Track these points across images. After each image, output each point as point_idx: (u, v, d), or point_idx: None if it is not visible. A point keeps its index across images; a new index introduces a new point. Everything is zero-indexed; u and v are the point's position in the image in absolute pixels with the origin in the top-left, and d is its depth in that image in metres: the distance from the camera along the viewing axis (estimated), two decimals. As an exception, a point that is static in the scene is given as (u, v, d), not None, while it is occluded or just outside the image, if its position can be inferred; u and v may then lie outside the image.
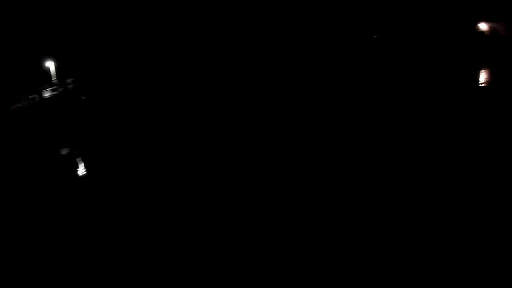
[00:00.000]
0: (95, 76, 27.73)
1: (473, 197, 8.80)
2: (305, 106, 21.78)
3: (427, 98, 20.08)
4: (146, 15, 33.08)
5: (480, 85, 23.00)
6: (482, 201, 8.50)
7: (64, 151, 16.19)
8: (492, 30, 36.43)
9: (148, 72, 29.60)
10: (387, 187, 9.56)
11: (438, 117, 15.96)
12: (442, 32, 34.08)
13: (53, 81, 23.90)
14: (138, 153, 14.85)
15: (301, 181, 10.93)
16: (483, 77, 26.44)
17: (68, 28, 29.60)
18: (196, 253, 7.51)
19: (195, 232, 8.29)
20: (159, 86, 27.53)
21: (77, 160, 14.98)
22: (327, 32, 35.02)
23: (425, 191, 9.15)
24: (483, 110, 16.59)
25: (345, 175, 10.86)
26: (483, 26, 35.88)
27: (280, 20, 36.02)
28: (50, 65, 24.48)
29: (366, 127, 14.95)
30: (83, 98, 23.20)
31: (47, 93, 22.41)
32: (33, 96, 21.67)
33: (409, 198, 8.94)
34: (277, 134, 16.56)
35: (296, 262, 6.96)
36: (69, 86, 23.64)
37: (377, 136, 13.61)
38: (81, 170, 13.82)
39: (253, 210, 9.28)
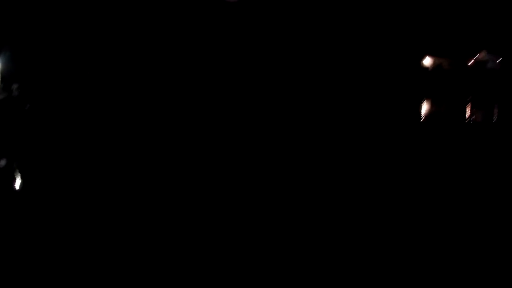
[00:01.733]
0: (43, 83, 26.39)
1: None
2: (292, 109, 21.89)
3: (370, 129, 21.06)
4: (97, 20, 32.11)
5: (422, 117, 24.64)
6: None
7: (1, 163, 15.21)
8: (436, 65, 39.29)
9: (99, 82, 28.66)
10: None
11: (380, 149, 16.78)
12: (386, 65, 36.03)
13: (-4, 85, 22.49)
14: (84, 168, 14.29)
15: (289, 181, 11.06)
16: (425, 109, 28.35)
17: (18, 29, 28.14)
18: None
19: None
20: (111, 97, 26.72)
21: (15, 173, 14.14)
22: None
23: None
24: (425, 142, 17.71)
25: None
26: (427, 61, 38.63)
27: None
28: (-5, 67, 23.05)
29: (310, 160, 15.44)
30: (27, 106, 21.90)
31: (-13, 98, 21.00)
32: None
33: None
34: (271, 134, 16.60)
35: (295, 261, 7.00)
36: (14, 92, 22.28)
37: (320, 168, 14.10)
38: (17, 184, 13.08)
39: (251, 210, 9.25)
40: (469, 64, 35.33)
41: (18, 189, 12.66)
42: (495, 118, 26.51)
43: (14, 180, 13.54)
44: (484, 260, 7.68)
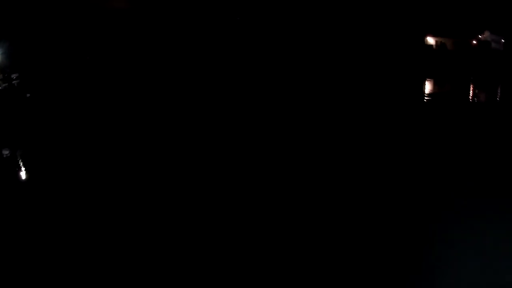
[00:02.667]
0: (42, 72, 26.31)
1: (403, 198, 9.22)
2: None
3: (376, 108, 20.95)
4: (92, 11, 31.98)
5: (426, 96, 24.53)
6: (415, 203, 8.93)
7: (5, 152, 15.20)
8: (439, 45, 38.97)
9: (98, 69, 28.58)
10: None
11: (385, 125, 16.71)
12: (393, 45, 35.73)
13: (-4, 76, 22.40)
14: (85, 155, 14.26)
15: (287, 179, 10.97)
16: (429, 89, 28.20)
17: (14, 22, 27.92)
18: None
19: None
20: (110, 83, 26.66)
21: (19, 162, 14.12)
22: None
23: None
24: (429, 119, 17.62)
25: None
26: (431, 40, 38.36)
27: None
28: (-6, 58, 22.92)
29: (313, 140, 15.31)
30: (28, 95, 21.90)
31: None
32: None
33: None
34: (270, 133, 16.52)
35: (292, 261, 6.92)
36: (14, 81, 22.23)
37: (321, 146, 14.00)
38: (23, 173, 13.07)
39: (251, 210, 9.14)
40: (472, 44, 34.86)
41: (22, 176, 12.66)
42: (498, 97, 26.28)
43: (19, 168, 13.54)
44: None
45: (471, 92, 26.47)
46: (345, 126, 16.80)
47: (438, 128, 15.93)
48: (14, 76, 22.99)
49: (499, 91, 28.13)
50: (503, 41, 47.92)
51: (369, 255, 7.08)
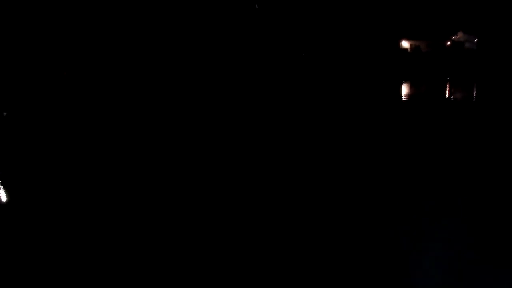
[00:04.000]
0: (18, 90, 25.90)
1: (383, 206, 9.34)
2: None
3: (352, 110, 21.30)
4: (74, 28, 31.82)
5: (402, 98, 25.08)
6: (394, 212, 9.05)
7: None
8: (414, 48, 40.03)
9: (76, 85, 28.33)
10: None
11: (361, 129, 16.96)
12: (367, 49, 36.47)
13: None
14: (67, 176, 14.00)
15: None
16: (405, 90, 28.88)
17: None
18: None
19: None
20: (90, 101, 26.42)
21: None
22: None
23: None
24: (405, 122, 17.97)
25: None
26: (405, 44, 39.38)
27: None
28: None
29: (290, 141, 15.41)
30: (4, 114, 21.53)
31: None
32: None
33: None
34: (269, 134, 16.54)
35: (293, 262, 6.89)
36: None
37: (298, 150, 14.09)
38: (3, 196, 12.74)
39: (251, 211, 9.08)
40: (446, 45, 35.82)
41: (3, 199, 12.36)
42: (474, 96, 26.99)
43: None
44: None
45: (447, 92, 27.13)
46: (324, 130, 16.98)
47: (417, 128, 16.24)
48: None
49: (475, 90, 28.91)
50: (476, 40, 49.33)
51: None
